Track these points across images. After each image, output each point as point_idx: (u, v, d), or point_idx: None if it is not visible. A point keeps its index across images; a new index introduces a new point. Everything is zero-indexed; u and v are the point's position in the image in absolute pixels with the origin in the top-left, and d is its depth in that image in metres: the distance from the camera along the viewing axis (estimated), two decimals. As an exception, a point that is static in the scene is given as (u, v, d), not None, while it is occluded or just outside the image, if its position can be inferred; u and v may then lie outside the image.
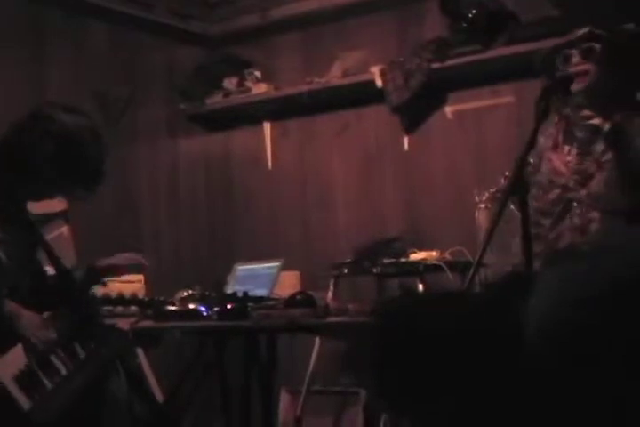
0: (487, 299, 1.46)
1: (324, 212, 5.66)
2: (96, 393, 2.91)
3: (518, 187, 2.92)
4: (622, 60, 3.31)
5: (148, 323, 4.03)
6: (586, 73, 3.32)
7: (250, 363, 4.39)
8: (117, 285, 3.77)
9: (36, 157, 2.87)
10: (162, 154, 5.97)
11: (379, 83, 5.21)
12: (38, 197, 3.11)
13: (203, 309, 3.97)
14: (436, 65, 5.02)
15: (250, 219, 5.93)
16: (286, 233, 5.76)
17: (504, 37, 4.81)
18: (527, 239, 2.91)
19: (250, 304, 3.96)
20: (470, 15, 4.82)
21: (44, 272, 3.02)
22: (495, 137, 5.05)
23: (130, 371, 3.17)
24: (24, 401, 2.68)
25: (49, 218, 4.43)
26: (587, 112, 3.39)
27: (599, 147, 3.32)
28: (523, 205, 2.96)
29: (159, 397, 4.64)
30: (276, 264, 4.48)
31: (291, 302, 3.94)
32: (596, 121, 3.36)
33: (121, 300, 3.90)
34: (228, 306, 3.92)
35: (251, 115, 5.90)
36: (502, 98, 5.08)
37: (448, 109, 5.26)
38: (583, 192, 3.32)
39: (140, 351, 4.60)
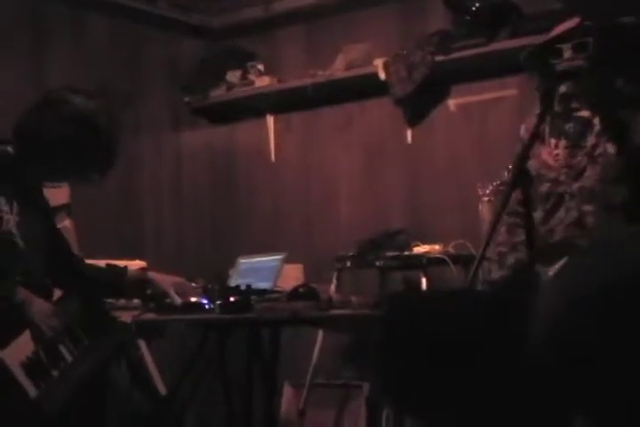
0: (491, 297, 1.46)
1: (328, 205, 5.65)
2: (99, 381, 2.92)
3: (521, 179, 2.91)
4: (613, 53, 3.29)
5: (150, 316, 4.03)
6: (577, 68, 3.29)
7: (253, 356, 4.39)
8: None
9: (50, 140, 2.88)
10: (165, 147, 5.97)
11: (382, 76, 5.20)
12: (54, 180, 3.13)
13: (205, 301, 3.97)
14: (439, 58, 5.01)
15: (253, 212, 5.93)
16: (290, 226, 5.76)
17: (507, 30, 4.81)
18: (530, 232, 2.91)
19: (253, 297, 3.95)
20: (474, 8, 4.81)
21: (57, 259, 3.03)
22: (498, 130, 5.04)
23: (131, 362, 3.18)
24: (30, 388, 2.70)
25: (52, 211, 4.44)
26: (576, 104, 3.37)
27: (590, 140, 3.30)
28: (525, 199, 2.96)
29: (162, 389, 4.64)
30: (280, 257, 4.47)
31: (294, 294, 3.94)
32: (585, 113, 3.34)
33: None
34: (231, 299, 3.92)
35: (254, 108, 5.89)
36: (506, 91, 5.07)
37: (451, 102, 5.25)
38: (575, 186, 3.30)
39: (142, 344, 4.61)
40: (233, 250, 5.31)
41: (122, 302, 3.98)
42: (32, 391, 2.70)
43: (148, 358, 4.67)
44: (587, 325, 1.13)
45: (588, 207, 3.27)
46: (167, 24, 5.91)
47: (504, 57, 4.84)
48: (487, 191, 4.30)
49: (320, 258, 5.08)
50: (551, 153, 3.37)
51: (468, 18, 4.85)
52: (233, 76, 5.82)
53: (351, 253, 4.68)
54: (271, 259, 4.52)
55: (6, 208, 2.82)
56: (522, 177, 2.91)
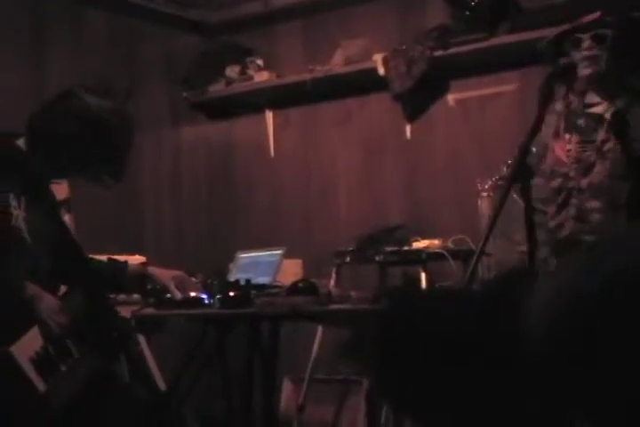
0: (489, 295, 1.45)
1: (327, 200, 5.65)
2: (105, 376, 2.93)
3: (521, 174, 2.91)
4: (633, 46, 3.29)
5: (150, 310, 4.03)
6: (595, 58, 3.29)
7: (252, 351, 4.39)
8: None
9: (58, 134, 2.88)
10: (164, 142, 5.97)
11: (381, 71, 5.19)
12: (61, 177, 3.14)
13: (205, 296, 3.97)
14: (438, 53, 5.00)
15: (252, 207, 5.93)
16: (289, 221, 5.76)
17: (507, 25, 4.80)
18: (530, 227, 2.92)
19: (252, 292, 3.96)
20: (473, 3, 4.81)
21: (63, 254, 3.03)
22: (498, 125, 5.05)
23: (131, 357, 3.18)
24: (40, 383, 2.70)
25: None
26: (589, 99, 3.37)
27: (600, 135, 3.30)
28: (525, 193, 2.96)
29: (161, 384, 4.65)
30: (279, 252, 4.48)
31: (293, 289, 3.95)
32: (597, 109, 3.34)
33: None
34: (231, 294, 3.93)
35: (253, 103, 5.89)
36: (505, 86, 5.07)
37: (451, 97, 5.25)
38: (584, 181, 3.30)
39: (142, 339, 4.61)
40: (232, 245, 5.31)
41: (122, 296, 3.98)
42: (41, 386, 2.71)
43: (148, 353, 4.67)
44: (586, 322, 1.13)
45: (594, 203, 3.27)
46: (165, 19, 5.91)
47: (503, 52, 4.85)
48: (486, 186, 4.31)
49: (319, 253, 5.08)
50: (564, 148, 3.37)
51: (467, 13, 4.85)
52: (232, 71, 5.82)
53: (350, 249, 4.68)
54: (270, 254, 4.52)
55: (15, 203, 2.82)
56: (522, 172, 2.91)
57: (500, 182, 4.17)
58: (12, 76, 5.01)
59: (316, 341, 4.83)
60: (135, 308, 3.96)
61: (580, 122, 3.36)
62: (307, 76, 5.48)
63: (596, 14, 3.32)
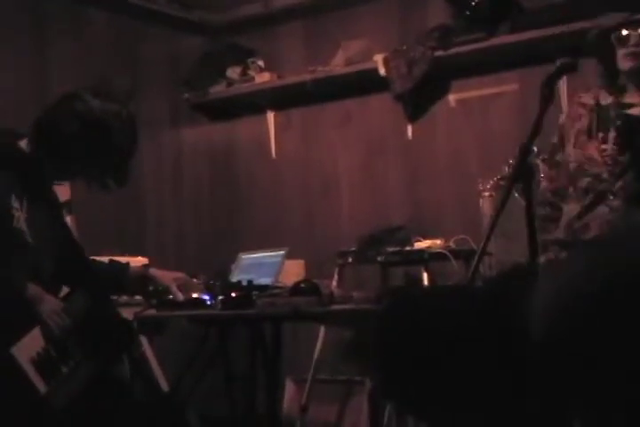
0: (491, 293, 1.46)
1: (328, 200, 5.65)
2: (107, 378, 2.93)
3: (522, 174, 2.90)
4: None
5: (152, 312, 4.04)
6: (638, 54, 3.26)
7: (254, 351, 4.39)
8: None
9: (61, 135, 2.88)
10: (166, 144, 5.97)
11: (382, 71, 5.19)
12: (63, 178, 3.14)
13: (207, 297, 3.97)
14: (439, 53, 5.00)
15: (254, 208, 5.93)
16: (290, 222, 5.77)
17: (507, 25, 4.80)
18: (531, 227, 2.91)
19: (254, 293, 3.96)
20: (473, 3, 4.81)
21: (65, 256, 3.03)
22: (499, 125, 5.05)
23: (133, 359, 3.19)
24: (40, 385, 2.70)
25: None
26: (628, 99, 3.32)
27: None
28: (527, 193, 2.95)
29: (164, 385, 4.65)
30: (281, 253, 4.48)
31: (295, 290, 3.95)
32: (636, 111, 3.28)
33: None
34: (233, 294, 3.93)
35: (254, 104, 5.89)
36: (506, 86, 5.07)
37: (452, 98, 5.25)
38: (619, 184, 3.22)
39: (144, 340, 4.61)
40: (234, 246, 5.31)
41: (124, 298, 3.98)
42: (42, 388, 2.71)
43: (150, 355, 4.68)
44: (586, 322, 1.13)
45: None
46: (167, 20, 5.91)
47: (504, 52, 4.85)
48: (488, 186, 4.31)
49: (321, 254, 5.08)
50: (598, 147, 3.29)
51: (468, 12, 4.85)
52: (233, 72, 5.82)
53: (352, 249, 4.69)
54: (272, 255, 4.52)
55: (17, 205, 2.82)
56: (523, 172, 2.90)
57: (501, 182, 4.16)
58: (12, 76, 5.01)
59: (319, 341, 4.83)
60: (137, 309, 3.96)
61: (619, 122, 3.27)
62: (308, 77, 5.48)
63: None
